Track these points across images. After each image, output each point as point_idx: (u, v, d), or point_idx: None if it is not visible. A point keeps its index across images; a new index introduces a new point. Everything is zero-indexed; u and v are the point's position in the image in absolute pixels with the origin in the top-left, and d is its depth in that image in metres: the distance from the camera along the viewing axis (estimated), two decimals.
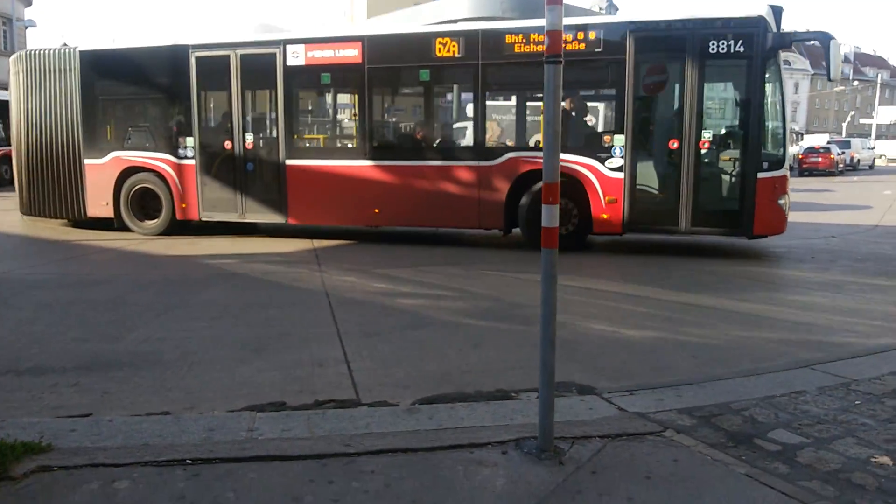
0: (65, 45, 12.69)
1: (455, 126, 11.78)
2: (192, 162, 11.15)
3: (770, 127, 9.21)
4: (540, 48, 9.21)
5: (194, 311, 6.19)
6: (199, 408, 3.90)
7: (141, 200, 11.53)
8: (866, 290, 7.62)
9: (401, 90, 12.22)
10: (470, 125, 10.48)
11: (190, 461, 3.08)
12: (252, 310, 6.25)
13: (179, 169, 11.24)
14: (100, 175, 11.58)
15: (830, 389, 4.13)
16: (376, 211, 10.49)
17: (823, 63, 9.45)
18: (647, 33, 9.23)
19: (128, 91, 11.82)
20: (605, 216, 9.53)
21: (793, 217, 10.27)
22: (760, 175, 8.92)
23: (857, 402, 3.92)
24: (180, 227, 11.42)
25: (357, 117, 10.88)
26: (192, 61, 11.00)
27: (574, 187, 9.51)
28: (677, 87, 9.24)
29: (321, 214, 10.93)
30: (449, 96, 12.16)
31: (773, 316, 6.32)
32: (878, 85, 63.13)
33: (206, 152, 11.18)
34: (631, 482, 2.98)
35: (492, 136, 10.95)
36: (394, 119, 12.09)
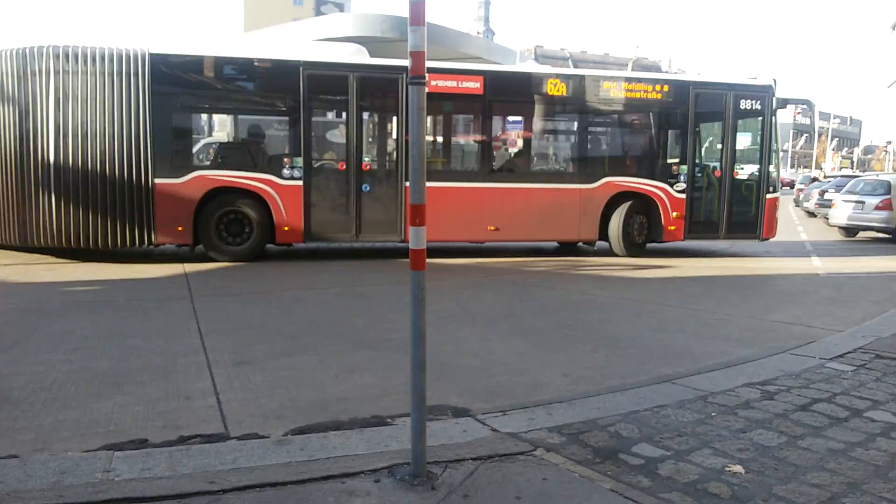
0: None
1: (561, 154, 13.25)
2: (300, 183, 10.71)
3: (773, 162, 12.83)
4: (631, 94, 12.29)
5: (49, 343, 5.75)
6: (52, 449, 3.62)
7: (218, 224, 10.57)
8: (723, 304, 8.13)
9: (515, 121, 12.94)
10: (574, 153, 12.64)
11: None
12: (113, 340, 5.88)
13: (283, 190, 10.66)
14: (176, 196, 10.33)
15: (689, 402, 4.35)
16: (491, 228, 11.61)
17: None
18: (701, 90, 12.51)
19: (215, 104, 10.96)
20: (671, 228, 12.34)
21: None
22: (768, 196, 12.64)
23: (713, 414, 4.15)
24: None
25: (477, 143, 12.04)
26: (304, 79, 10.58)
27: (649, 205, 12.22)
28: (719, 130, 12.62)
29: (439, 232, 10.81)
30: (556, 127, 13.28)
31: (637, 333, 6.62)
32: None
33: (317, 173, 10.96)
34: (502, 503, 3.00)
35: (588, 166, 12.49)
36: (509, 146, 12.88)
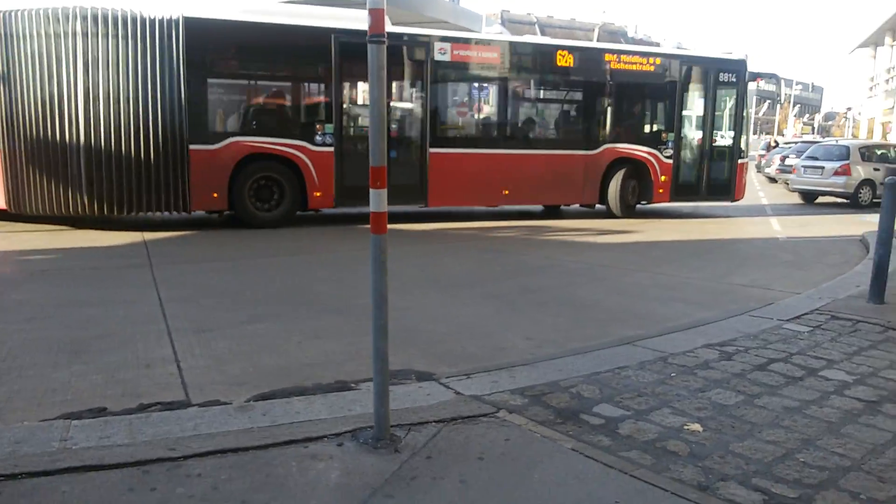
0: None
1: (568, 122, 13.60)
2: (331, 149, 10.85)
3: (744, 131, 14.08)
4: (634, 67, 13.18)
5: (4, 313, 5.61)
6: (6, 419, 3.54)
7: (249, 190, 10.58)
8: (684, 268, 8.25)
9: (527, 90, 13.15)
10: (581, 122, 13.24)
11: None
12: (70, 309, 5.77)
13: (315, 156, 10.76)
14: (211, 162, 10.23)
15: (649, 364, 4.41)
16: (506, 192, 12.28)
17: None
18: (687, 64, 13.63)
19: (250, 70, 10.87)
20: (661, 191, 13.36)
21: None
22: (739, 161, 13.96)
23: (672, 375, 4.21)
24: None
25: (493, 111, 12.68)
26: (335, 47, 10.68)
27: (640, 170, 13.17)
28: (701, 100, 13.72)
29: (458, 197, 12.13)
30: (563, 97, 13.73)
31: (599, 296, 6.69)
32: None
33: (347, 140, 11.09)
34: (464, 464, 3.02)
35: (591, 133, 13.14)
36: (523, 114, 13.13)
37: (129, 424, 3.36)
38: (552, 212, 13.79)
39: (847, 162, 17.31)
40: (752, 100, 16.00)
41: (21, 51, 9.42)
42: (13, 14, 9.39)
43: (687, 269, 8.22)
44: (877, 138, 36.68)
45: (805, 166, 18.32)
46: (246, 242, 9.70)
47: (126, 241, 9.41)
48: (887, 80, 38.65)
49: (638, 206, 13.55)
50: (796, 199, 19.05)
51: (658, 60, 13.38)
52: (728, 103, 14.07)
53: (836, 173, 17.31)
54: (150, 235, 9.76)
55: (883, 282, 6.07)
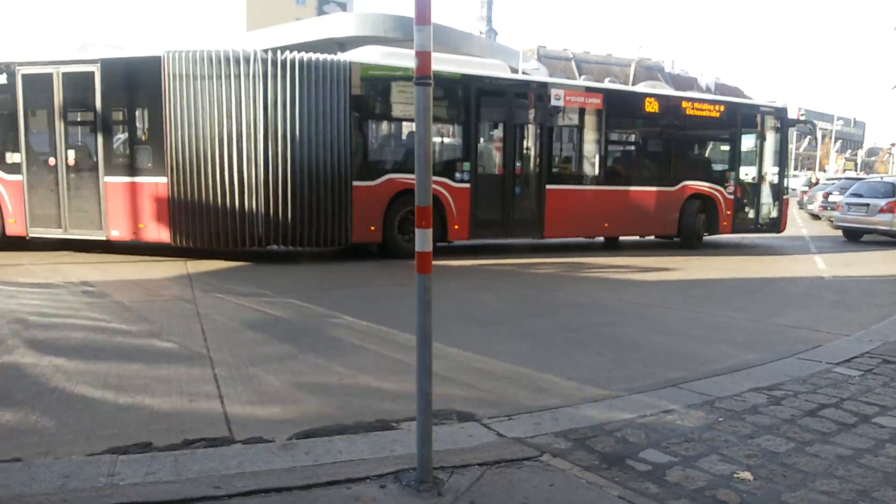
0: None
1: (655, 161, 14.69)
2: (468, 186, 11.95)
3: (786, 170, 16.02)
4: (704, 113, 14.80)
5: (54, 345, 5.72)
6: (55, 452, 3.59)
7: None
8: (728, 307, 8.10)
9: (624, 132, 14.55)
10: (663, 161, 14.47)
11: None
12: (117, 341, 5.88)
13: (455, 192, 11.79)
14: (370, 198, 11.09)
15: (696, 407, 4.32)
16: (606, 225, 13.76)
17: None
18: (743, 110, 15.44)
19: (404, 112, 11.61)
20: (724, 224, 14.85)
21: None
22: (784, 196, 15.79)
23: (720, 420, 4.12)
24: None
25: (596, 151, 13.67)
26: (474, 92, 12.02)
27: (709, 204, 14.58)
28: (753, 142, 15.26)
29: (567, 230, 13.47)
30: (652, 137, 14.78)
31: (642, 336, 6.59)
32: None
33: (481, 177, 12.19)
34: None
35: (672, 171, 14.47)
36: (619, 154, 14.54)
37: (174, 460, 3.39)
38: (611, 243, 14.94)
39: (893, 199, 16.94)
40: (792, 136, 18.07)
41: (189, 91, 10.23)
42: (183, 55, 10.23)
43: (731, 309, 8.07)
44: None
45: (850, 203, 17.98)
46: (286, 277, 9.80)
47: (171, 273, 9.57)
48: None
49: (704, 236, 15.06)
50: (840, 236, 18.67)
51: (721, 107, 15.02)
52: (773, 145, 15.60)
53: (882, 211, 16.95)
54: (193, 268, 9.92)
55: None
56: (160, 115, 10.38)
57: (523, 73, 28.33)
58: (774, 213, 15.70)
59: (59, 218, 10.89)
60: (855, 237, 18.23)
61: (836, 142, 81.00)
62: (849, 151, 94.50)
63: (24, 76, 10.83)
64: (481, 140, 12.53)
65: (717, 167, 15.28)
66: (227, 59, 10.20)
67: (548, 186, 12.80)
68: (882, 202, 17.03)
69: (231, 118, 10.22)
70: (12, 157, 10.99)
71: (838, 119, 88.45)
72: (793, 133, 18.65)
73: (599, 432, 3.87)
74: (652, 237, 15.33)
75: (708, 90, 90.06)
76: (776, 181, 15.68)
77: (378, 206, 11.17)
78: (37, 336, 6.03)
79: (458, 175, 11.91)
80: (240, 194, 10.33)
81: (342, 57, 10.91)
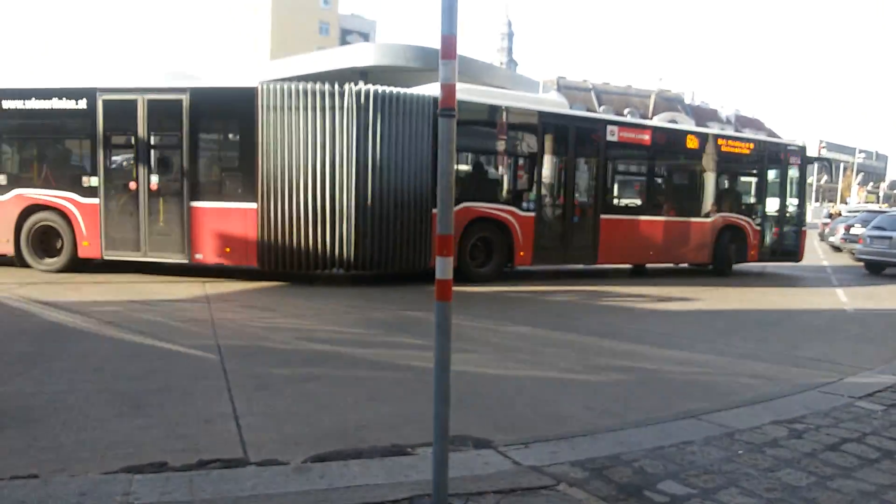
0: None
1: (694, 193, 15.34)
2: (533, 214, 12.56)
3: (805, 203, 17.00)
4: (735, 150, 15.72)
5: (71, 364, 5.78)
6: (72, 470, 3.61)
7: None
8: (748, 339, 8.01)
9: (668, 165, 15.33)
10: (702, 194, 15.17)
11: None
12: (135, 361, 5.91)
13: (521, 220, 12.41)
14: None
15: (715, 439, 4.26)
16: (651, 253, 14.57)
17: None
18: (769, 148, 16.34)
19: (479, 144, 12.64)
20: (752, 252, 15.79)
21: None
22: (802, 228, 16.70)
23: (739, 452, 4.05)
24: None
25: (644, 183, 14.83)
26: (540, 127, 12.69)
27: (739, 235, 15.51)
28: (776, 179, 16.36)
29: (618, 257, 14.14)
30: (690, 171, 15.54)
31: (661, 366, 6.53)
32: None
33: (545, 206, 12.95)
34: None
35: (709, 203, 15.23)
36: (663, 186, 15.28)
37: (189, 481, 3.39)
38: (639, 270, 15.41)
39: None
40: (814, 168, 19.28)
41: (283, 122, 10.63)
42: (278, 88, 10.65)
43: (751, 341, 7.98)
44: None
45: (872, 236, 17.78)
46: (303, 300, 9.83)
47: (188, 294, 9.64)
48: None
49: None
50: (861, 268, 18.46)
51: (751, 145, 15.93)
52: (794, 180, 16.57)
53: None
54: (211, 289, 9.99)
55: None
56: (252, 143, 10.76)
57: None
58: (794, 244, 16.55)
59: (137, 241, 11.14)
60: (877, 270, 18.00)
61: (857, 174, 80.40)
62: (871, 184, 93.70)
63: (104, 101, 11.11)
64: (545, 171, 13.02)
65: (747, 200, 16.23)
66: (322, 93, 10.61)
67: (602, 216, 13.43)
68: None
69: (322, 148, 10.62)
70: (89, 181, 11.24)
71: (860, 152, 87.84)
72: (814, 167, 19.28)
73: (617, 462, 3.83)
74: (684, 265, 15.90)
75: (728, 122, 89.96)
76: (796, 213, 16.58)
77: (454, 232, 11.07)
78: (56, 352, 6.09)
79: (524, 204, 12.51)
80: (329, 221, 10.69)
81: (424, 92, 11.34)
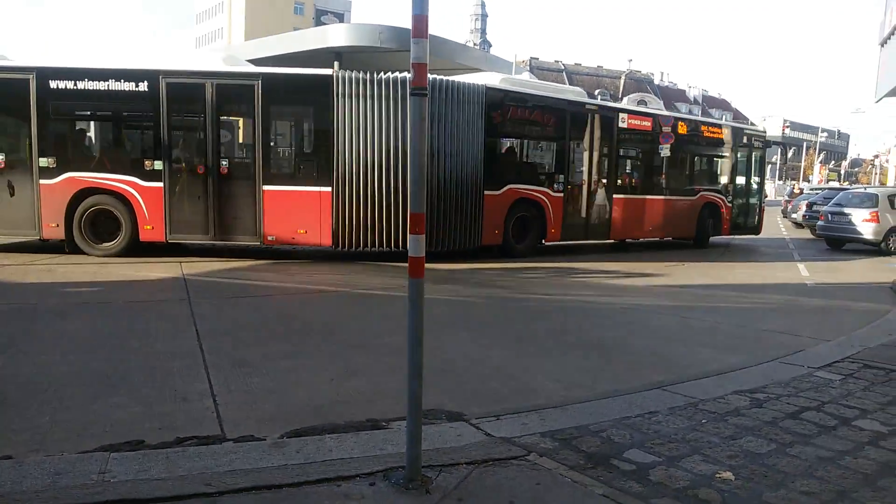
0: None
1: (683, 173, 16.94)
2: (562, 195, 13.85)
3: (764, 182, 19.61)
4: (714, 135, 17.57)
5: (46, 344, 5.77)
6: (47, 450, 3.62)
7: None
8: (713, 312, 8.21)
9: (664, 149, 16.16)
10: (688, 173, 17.03)
11: None
12: (111, 341, 5.90)
13: (553, 200, 13.70)
14: (496, 205, 12.69)
15: (680, 409, 4.41)
16: (649, 228, 16.08)
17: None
18: (741, 132, 18.54)
19: (522, 131, 13.63)
20: (725, 227, 17.55)
21: None
22: (762, 205, 18.97)
23: (703, 421, 4.20)
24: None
25: (646, 165, 16.02)
26: (568, 116, 13.91)
27: (715, 211, 17.28)
28: (744, 160, 18.22)
29: (625, 232, 15.49)
30: (680, 154, 16.76)
31: (627, 339, 6.68)
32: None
33: (572, 187, 14.22)
34: None
35: (694, 183, 17.07)
36: (660, 168, 16.29)
37: (166, 458, 3.43)
38: (621, 245, 16.23)
39: (876, 209, 17.17)
40: (777, 149, 21.21)
41: (357, 109, 11.18)
42: (354, 76, 11.22)
43: (715, 314, 8.19)
44: None
45: (833, 213, 18.20)
46: (280, 278, 9.83)
47: (165, 274, 9.59)
48: None
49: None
50: (823, 244, 18.91)
51: (725, 130, 17.88)
52: (756, 161, 18.50)
53: (866, 220, 17.17)
54: (187, 269, 9.95)
55: None
56: (327, 129, 11.30)
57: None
58: (756, 218, 18.64)
59: (206, 224, 11.22)
60: (837, 245, 18.45)
61: (820, 153, 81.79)
62: (833, 162, 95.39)
63: (169, 84, 11.09)
64: (571, 155, 14.25)
65: (721, 180, 17.76)
66: (394, 82, 11.25)
67: (615, 196, 14.90)
68: (865, 212, 17.25)
69: (391, 134, 11.26)
70: (152, 165, 11.25)
71: (822, 131, 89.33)
72: (777, 148, 21.23)
73: (585, 433, 3.95)
74: (668, 239, 17.12)
75: (696, 102, 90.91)
76: (757, 191, 18.64)
77: (501, 213, 12.81)
78: (31, 333, 6.06)
79: (555, 186, 13.75)
80: (397, 203, 11.33)
81: (477, 81, 12.41)
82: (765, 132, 19.65)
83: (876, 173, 65.40)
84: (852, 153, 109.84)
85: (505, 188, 12.85)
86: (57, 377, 4.85)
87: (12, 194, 10.99)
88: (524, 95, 13.19)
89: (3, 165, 11.02)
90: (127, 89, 11.11)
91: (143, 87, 11.08)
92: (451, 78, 11.79)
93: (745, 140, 18.10)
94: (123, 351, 5.59)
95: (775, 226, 25.79)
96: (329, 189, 11.24)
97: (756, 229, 18.65)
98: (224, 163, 11.37)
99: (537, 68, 72.87)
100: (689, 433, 4.00)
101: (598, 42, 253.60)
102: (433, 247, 11.58)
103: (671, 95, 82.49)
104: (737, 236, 18.62)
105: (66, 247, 11.14)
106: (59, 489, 3.06)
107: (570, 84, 72.56)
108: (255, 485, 3.15)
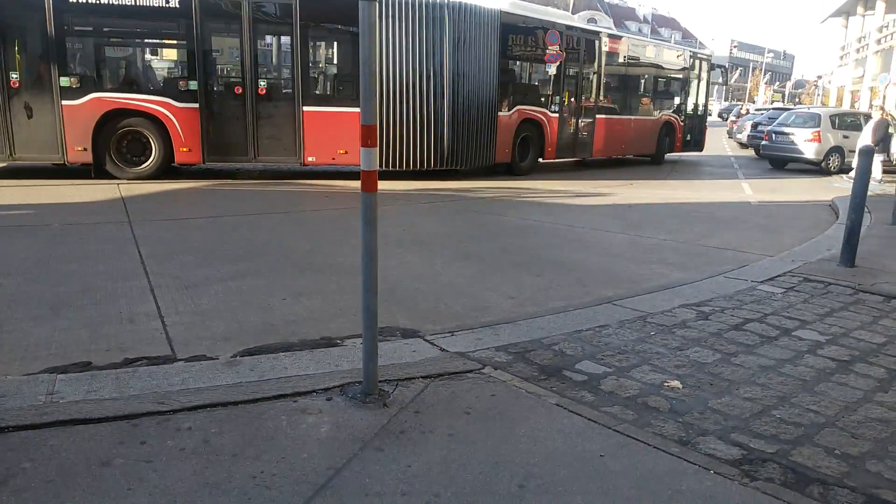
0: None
1: (648, 97, 17.98)
2: (557, 115, 14.76)
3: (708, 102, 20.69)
4: (674, 58, 18.55)
5: None
6: None
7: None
8: (660, 230, 8.36)
9: (636, 72, 17.42)
10: (653, 96, 18.08)
11: None
12: (49, 264, 5.70)
13: (550, 120, 14.54)
14: (506, 126, 13.44)
15: (629, 323, 4.50)
16: (623, 146, 17.10)
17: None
18: (694, 56, 19.41)
19: (530, 56, 14.16)
20: (678, 144, 18.97)
21: None
22: (705, 124, 20.09)
23: (652, 334, 4.31)
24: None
25: (623, 87, 16.95)
26: (563, 40, 14.44)
27: (671, 129, 18.56)
28: (694, 83, 19.22)
29: (603, 151, 16.33)
30: (647, 79, 17.96)
31: (578, 257, 6.77)
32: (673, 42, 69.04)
33: (565, 109, 15.13)
34: (452, 418, 3.08)
35: (655, 106, 18.08)
36: (630, 90, 17.27)
37: (115, 379, 3.37)
38: (581, 163, 17.06)
39: (818, 129, 17.52)
40: (726, 70, 22.77)
41: (386, 32, 11.47)
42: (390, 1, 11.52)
43: (663, 232, 8.33)
44: (846, 107, 37.07)
45: (776, 132, 18.51)
46: (221, 201, 9.61)
47: (102, 196, 9.27)
48: (858, 50, 38.92)
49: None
50: (766, 164, 19.30)
51: (681, 53, 19.03)
52: (702, 83, 19.55)
53: (808, 140, 17.52)
54: (126, 191, 9.63)
55: (854, 245, 6.22)
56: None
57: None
58: (700, 137, 19.85)
59: (245, 146, 10.99)
60: (780, 165, 18.87)
61: (765, 74, 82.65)
62: (777, 83, 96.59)
63: (202, 2, 10.67)
64: (568, 82, 15.04)
65: (676, 100, 18.76)
66: (430, 5, 11.65)
67: (597, 116, 15.82)
68: (808, 132, 17.59)
69: (426, 56, 11.75)
70: (186, 85, 10.95)
71: (769, 52, 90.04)
72: (727, 69, 22.76)
73: (538, 346, 4.01)
74: (629, 156, 18.15)
75: (645, 21, 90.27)
76: (702, 112, 19.82)
77: (510, 133, 13.55)
78: None
79: (552, 107, 14.62)
80: (428, 124, 11.98)
81: (490, 5, 12.70)
82: (711, 55, 20.60)
83: (818, 94, 66.54)
84: (796, 73, 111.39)
85: (514, 110, 13.65)
86: None
87: (30, 116, 10.41)
88: (532, 20, 13.90)
89: (17, 85, 10.33)
90: (156, 4, 10.63)
91: (175, 2, 10.65)
92: (469, 2, 12.19)
93: (695, 63, 19.10)
94: (64, 275, 5.42)
95: (721, 147, 26.17)
96: None
97: (699, 146, 19.86)
98: (262, 83, 11.22)
99: None
100: (639, 345, 4.10)
101: None
102: (456, 164, 12.41)
103: (621, 14, 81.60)
104: (684, 153, 19.71)
105: (92, 172, 10.73)
106: (6, 410, 2.98)
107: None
108: (209, 402, 3.12)
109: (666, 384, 3.54)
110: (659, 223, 9.04)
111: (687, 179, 15.36)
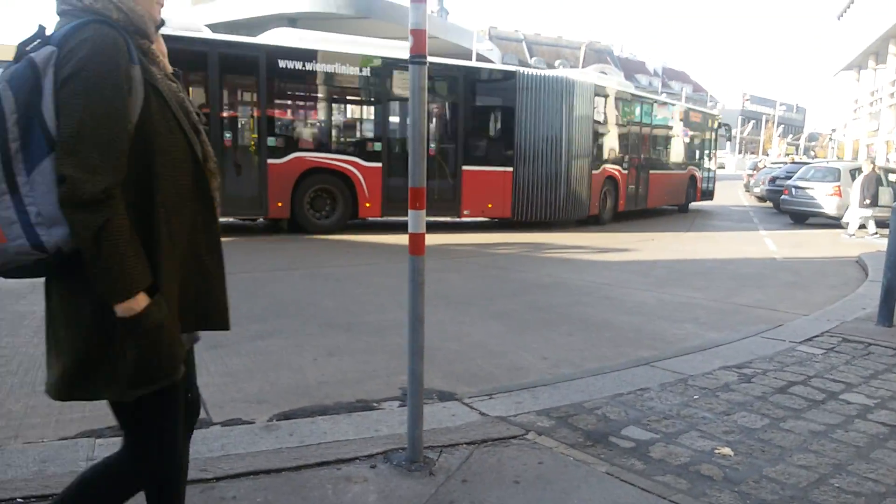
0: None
1: (683, 153, 20.65)
2: (626, 172, 17.12)
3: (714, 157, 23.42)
4: (695, 118, 21.41)
5: (11, 325, 5.54)
6: (25, 436, 3.47)
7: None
8: (688, 287, 8.27)
9: (675, 132, 20.17)
10: (679, 151, 20.46)
11: (21, 499, 2.72)
12: None
13: (622, 177, 16.80)
14: (597, 181, 15.46)
15: (671, 385, 4.40)
16: (666, 197, 19.51)
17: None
18: (704, 116, 22.38)
19: (612, 120, 16.35)
20: (698, 196, 21.71)
21: None
22: (714, 176, 23.07)
23: (695, 397, 4.20)
24: None
25: (665, 146, 19.77)
26: (639, 109, 17.75)
27: (693, 183, 21.23)
28: (708, 139, 22.51)
29: (653, 201, 18.73)
30: (683, 137, 20.80)
31: (611, 315, 6.68)
32: (684, 97, 69.77)
33: (631, 167, 17.45)
34: (501, 488, 2.99)
35: (683, 160, 20.65)
36: (668, 146, 19.92)
37: None
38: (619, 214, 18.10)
39: (838, 184, 17.47)
40: (735, 118, 26.84)
41: (533, 101, 13.76)
42: (534, 74, 14.05)
43: (691, 289, 8.24)
44: (861, 160, 37.12)
45: (796, 187, 18.48)
46: (243, 257, 9.62)
47: None
48: (871, 103, 39.19)
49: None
50: (787, 219, 19.23)
51: (700, 114, 21.85)
52: (713, 140, 22.56)
53: (829, 195, 17.47)
54: None
55: (892, 305, 6.11)
56: (511, 117, 13.69)
57: (478, 54, 28.45)
58: (712, 187, 22.70)
59: None
60: (801, 219, 18.77)
61: (778, 126, 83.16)
62: (791, 136, 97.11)
63: (387, 71, 12.28)
64: (629, 137, 17.18)
65: (699, 155, 21.42)
66: (562, 80, 14.21)
67: (651, 171, 18.18)
68: (829, 187, 17.54)
69: (559, 124, 13.94)
70: (373, 146, 12.35)
71: (781, 105, 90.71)
72: (737, 121, 24.75)
73: (580, 410, 3.92)
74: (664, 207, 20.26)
75: (656, 74, 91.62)
76: (713, 165, 22.64)
77: (599, 188, 15.54)
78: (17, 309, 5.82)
79: (623, 164, 16.72)
80: (559, 181, 14.11)
81: (589, 81, 15.12)
82: (720, 114, 24.90)
83: (833, 147, 66.77)
84: (809, 126, 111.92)
85: (601, 168, 15.53)
86: (25, 360, 4.65)
87: (238, 174, 10.97)
88: (616, 90, 16.23)
89: (229, 144, 10.90)
90: (351, 73, 12.05)
91: (367, 72, 12.20)
92: (570, 77, 14.46)
93: (708, 122, 21.98)
94: None
95: (737, 200, 26.21)
96: (511, 169, 13.52)
97: (711, 195, 22.64)
98: (432, 145, 12.73)
99: (497, 38, 72.32)
100: (683, 409, 3.99)
101: (558, 11, 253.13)
102: (567, 217, 14.45)
103: (631, 67, 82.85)
104: (702, 203, 22.43)
105: (286, 226, 11.47)
106: (49, 477, 2.92)
107: (530, 55, 72.65)
108: (252, 469, 3.04)
109: (717, 451, 3.43)
110: (684, 280, 8.96)
111: (708, 231, 15.35)
